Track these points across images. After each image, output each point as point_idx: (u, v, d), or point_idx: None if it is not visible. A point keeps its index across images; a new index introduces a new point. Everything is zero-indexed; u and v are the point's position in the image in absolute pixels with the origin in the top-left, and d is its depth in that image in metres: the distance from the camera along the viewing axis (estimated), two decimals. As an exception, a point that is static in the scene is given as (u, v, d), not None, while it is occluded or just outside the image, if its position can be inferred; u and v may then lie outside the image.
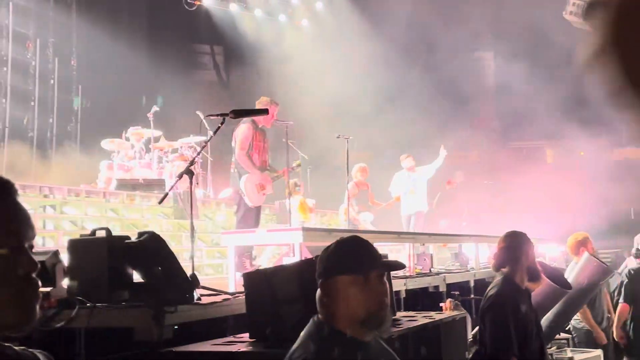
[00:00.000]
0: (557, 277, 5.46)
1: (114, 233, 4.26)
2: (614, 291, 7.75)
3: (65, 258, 4.22)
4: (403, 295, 6.43)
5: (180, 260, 4.28)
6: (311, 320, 2.44)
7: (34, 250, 1.41)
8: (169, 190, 5.55)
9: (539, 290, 4.86)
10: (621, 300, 7.30)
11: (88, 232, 4.40)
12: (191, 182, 4.95)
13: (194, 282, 4.31)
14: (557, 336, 7.02)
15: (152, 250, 4.06)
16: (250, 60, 18.90)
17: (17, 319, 1.35)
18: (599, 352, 7.10)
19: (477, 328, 4.82)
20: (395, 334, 3.94)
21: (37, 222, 9.20)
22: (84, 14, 16.25)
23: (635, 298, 7.26)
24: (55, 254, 4.20)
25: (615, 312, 7.47)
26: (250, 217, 7.81)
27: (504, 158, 17.82)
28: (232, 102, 16.07)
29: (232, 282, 5.84)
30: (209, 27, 19.53)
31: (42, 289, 1.42)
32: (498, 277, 4.50)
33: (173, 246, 7.73)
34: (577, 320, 7.36)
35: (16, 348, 1.44)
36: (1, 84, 14.50)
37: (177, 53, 18.90)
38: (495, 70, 20.97)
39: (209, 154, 13.42)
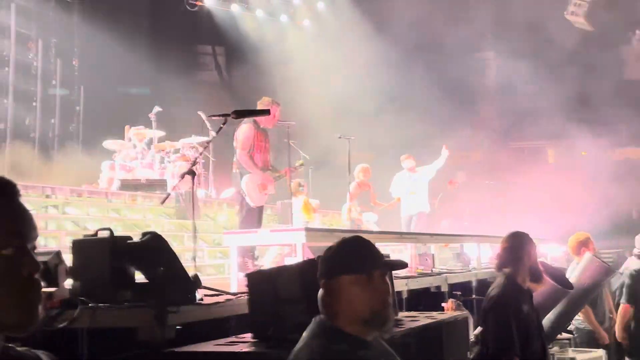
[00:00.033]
0: (558, 277, 5.46)
1: (116, 233, 4.27)
2: (615, 291, 7.74)
3: (67, 258, 4.23)
4: (405, 295, 6.42)
5: (182, 261, 4.29)
6: (313, 321, 2.45)
7: (36, 251, 1.42)
8: (171, 190, 5.55)
9: (540, 290, 4.86)
10: (624, 301, 7.29)
11: (90, 232, 4.41)
12: (193, 183, 4.95)
13: (196, 282, 4.31)
14: (559, 336, 7.02)
15: (154, 250, 4.06)
16: (252, 61, 18.90)
17: (20, 320, 1.35)
18: (601, 352, 7.10)
19: (479, 328, 4.82)
20: (397, 334, 3.94)
21: (39, 223, 9.19)
22: (86, 14, 16.27)
23: (638, 299, 7.25)
24: (58, 254, 4.20)
25: (616, 313, 7.46)
26: (253, 217, 7.81)
27: (505, 158, 17.81)
28: (234, 102, 16.06)
29: (235, 283, 5.85)
30: (210, 27, 19.55)
31: (44, 290, 1.42)
32: (500, 278, 4.51)
33: (175, 246, 7.72)
34: (579, 321, 7.35)
35: (19, 349, 1.44)
36: (3, 84, 14.53)
37: (178, 53, 18.91)
38: (497, 70, 20.96)
39: (210, 154, 13.43)
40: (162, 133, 13.73)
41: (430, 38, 17.92)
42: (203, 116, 12.57)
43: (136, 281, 4.18)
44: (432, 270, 8.07)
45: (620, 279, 7.57)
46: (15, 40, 14.82)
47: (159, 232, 4.29)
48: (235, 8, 19.51)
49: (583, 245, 7.21)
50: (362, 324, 2.36)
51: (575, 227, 9.19)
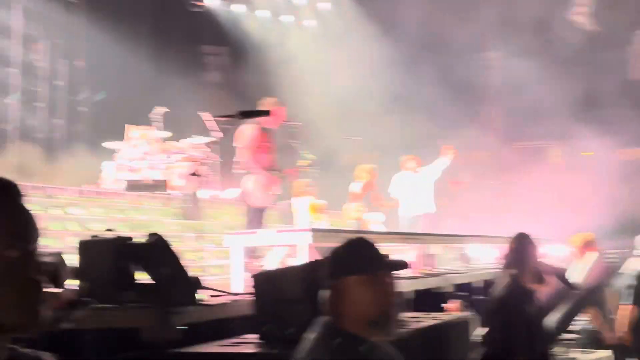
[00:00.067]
0: (563, 278, 5.45)
1: (120, 234, 4.28)
2: (619, 292, 7.70)
3: (71, 259, 4.24)
4: (408, 296, 6.42)
5: (185, 261, 4.30)
6: (319, 322, 2.45)
7: (38, 252, 1.42)
8: (176, 192, 5.55)
9: (544, 290, 4.86)
10: (630, 302, 7.26)
11: (94, 233, 4.42)
12: (198, 184, 4.95)
13: (196, 284, 4.32)
14: (565, 336, 7.01)
15: (158, 251, 4.08)
16: (256, 61, 18.90)
17: (22, 321, 1.36)
18: (605, 352, 7.08)
19: (483, 329, 4.82)
20: (401, 335, 3.93)
21: (42, 223, 9.22)
22: (91, 15, 16.29)
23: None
24: (60, 255, 4.22)
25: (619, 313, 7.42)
26: (259, 218, 7.80)
27: (510, 158, 17.77)
28: (238, 102, 16.05)
29: (238, 283, 5.85)
30: (214, 27, 19.57)
31: (51, 291, 1.42)
32: (504, 278, 4.51)
33: (179, 247, 7.74)
34: (584, 321, 7.34)
35: (23, 350, 1.44)
36: (8, 84, 14.56)
37: (182, 54, 18.92)
38: (502, 70, 20.93)
39: (215, 154, 13.43)
40: (167, 134, 13.74)
41: (434, 38, 17.90)
42: (207, 117, 12.56)
43: (141, 282, 4.19)
44: (436, 271, 8.07)
45: (622, 280, 7.53)
46: (21, 41, 14.84)
47: (163, 233, 4.30)
48: (238, 8, 19.52)
49: (588, 245, 7.20)
50: (368, 325, 2.37)
51: (581, 227, 9.18)
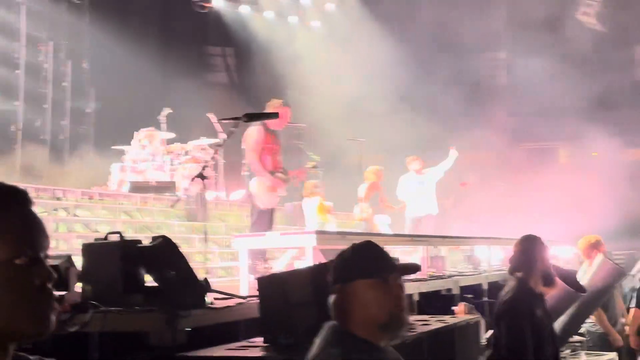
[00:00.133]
0: (570, 280, 5.42)
1: (127, 235, 4.27)
2: (626, 294, 7.67)
3: (78, 261, 4.24)
4: (416, 298, 6.40)
5: (192, 263, 4.29)
6: (326, 326, 2.43)
7: (48, 259, 1.41)
8: (182, 194, 5.54)
9: (553, 293, 4.83)
10: (634, 305, 7.22)
11: (101, 235, 4.42)
12: (204, 186, 4.94)
13: (205, 286, 4.31)
14: (571, 339, 6.97)
15: (165, 254, 4.07)
16: (262, 62, 18.92)
17: (32, 330, 1.35)
18: (612, 355, 7.05)
19: (490, 332, 4.79)
20: (409, 338, 3.92)
21: (49, 225, 9.27)
22: (97, 16, 16.31)
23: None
24: (69, 258, 4.21)
25: (627, 316, 7.39)
26: (264, 219, 7.79)
27: (517, 159, 17.74)
28: (244, 103, 16.08)
29: (245, 286, 5.83)
30: (220, 28, 19.59)
31: (56, 293, 1.42)
32: (512, 281, 4.48)
33: (185, 249, 7.73)
34: (591, 323, 7.30)
35: (31, 357, 1.43)
36: (14, 86, 14.58)
37: (188, 55, 18.97)
38: (509, 71, 20.90)
39: (220, 156, 13.44)
40: (172, 135, 13.74)
41: (441, 38, 17.89)
42: (212, 118, 12.57)
43: (148, 285, 4.18)
44: (443, 273, 8.04)
45: (631, 282, 7.51)
46: (26, 43, 14.87)
47: (169, 235, 4.29)
48: (244, 9, 19.54)
49: (594, 247, 7.16)
50: (377, 329, 2.35)
51: (588, 228, 9.14)
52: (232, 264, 10.87)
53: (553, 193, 15.02)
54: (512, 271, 4.51)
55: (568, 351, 6.94)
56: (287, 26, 19.98)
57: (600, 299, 6.56)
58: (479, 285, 8.27)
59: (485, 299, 7.87)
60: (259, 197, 7.75)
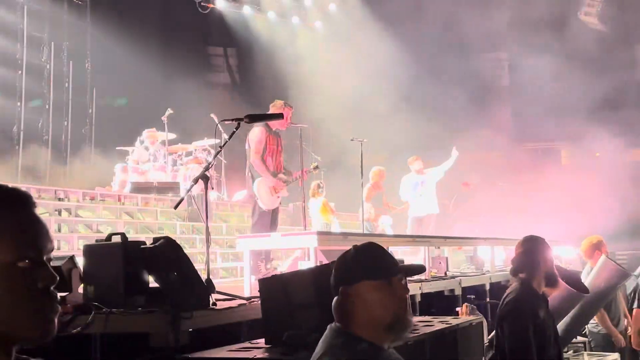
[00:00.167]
0: (574, 281, 5.40)
1: (129, 236, 4.26)
2: (629, 295, 7.65)
3: (80, 261, 4.23)
4: (418, 299, 6.39)
5: (194, 264, 4.28)
6: (329, 328, 2.42)
7: (51, 262, 1.41)
8: (184, 195, 5.53)
9: (556, 294, 4.81)
10: (636, 305, 7.20)
11: (103, 235, 4.41)
12: (206, 187, 4.93)
13: (209, 287, 4.30)
14: (574, 340, 6.96)
15: (167, 255, 4.05)
16: (264, 62, 18.92)
17: (35, 333, 1.35)
18: (615, 355, 7.03)
19: (493, 333, 4.78)
20: (411, 339, 3.91)
21: (52, 226, 9.28)
22: (98, 17, 16.32)
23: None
24: (72, 259, 4.21)
25: (630, 317, 7.37)
26: (265, 220, 7.79)
27: (519, 159, 17.72)
28: (246, 104, 16.08)
29: (248, 287, 5.83)
30: (222, 29, 19.59)
31: (58, 294, 1.42)
32: (515, 282, 4.46)
33: (187, 249, 7.73)
34: (593, 324, 7.29)
35: (32, 360, 1.43)
36: (16, 87, 14.59)
37: (190, 55, 18.96)
38: (512, 71, 20.89)
39: (222, 157, 13.45)
40: (173, 135, 13.75)
41: (444, 38, 17.88)
42: (215, 119, 12.57)
43: (150, 286, 4.17)
44: (445, 274, 8.03)
45: (634, 282, 7.48)
46: (28, 43, 14.88)
47: (172, 235, 4.28)
48: (246, 10, 19.54)
49: (596, 248, 7.14)
50: (382, 330, 2.34)
51: (590, 228, 9.12)
52: (233, 265, 10.89)
53: (555, 193, 14.99)
54: (515, 272, 4.49)
55: (571, 352, 6.93)
56: (289, 26, 19.99)
57: (603, 299, 6.54)
58: (482, 285, 8.26)
59: (488, 299, 7.86)
60: (260, 198, 7.75)
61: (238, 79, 21.84)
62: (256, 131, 7.82)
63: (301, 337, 3.52)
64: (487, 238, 9.82)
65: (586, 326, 7.16)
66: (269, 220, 7.84)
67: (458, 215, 13.69)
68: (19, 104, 14.52)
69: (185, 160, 13.44)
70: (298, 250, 8.36)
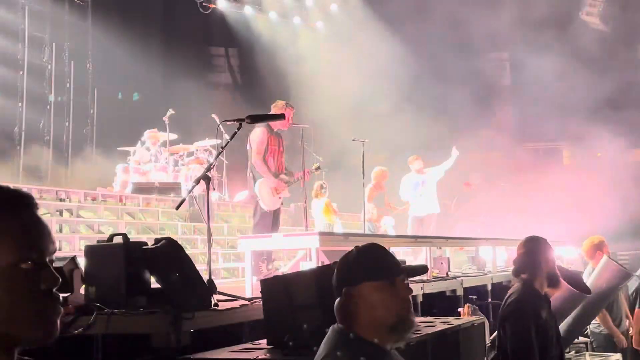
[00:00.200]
0: (576, 282, 5.39)
1: (130, 237, 4.26)
2: (631, 295, 7.64)
3: (82, 262, 4.23)
4: (420, 299, 6.39)
5: (196, 264, 4.28)
6: (332, 329, 2.42)
7: (54, 263, 1.41)
8: (186, 195, 5.53)
9: (558, 295, 4.81)
10: (638, 306, 7.19)
11: (104, 236, 4.41)
12: (208, 187, 4.93)
13: (211, 287, 4.30)
14: (576, 340, 6.95)
15: (169, 256, 4.05)
16: (265, 63, 18.92)
17: (38, 334, 1.35)
18: (617, 356, 7.03)
19: (495, 333, 4.77)
20: (413, 340, 3.90)
21: (53, 226, 9.28)
22: (99, 18, 16.33)
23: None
24: (73, 259, 4.21)
25: (632, 317, 7.36)
26: (267, 221, 7.79)
27: (521, 159, 17.71)
28: (247, 104, 16.09)
29: (249, 287, 5.83)
30: (223, 29, 19.60)
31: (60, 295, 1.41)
32: (517, 283, 4.45)
33: (189, 250, 7.73)
34: (595, 324, 7.28)
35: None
36: (17, 87, 14.60)
37: (191, 56, 18.97)
38: (514, 71, 20.88)
39: (224, 157, 13.45)
40: (175, 136, 13.75)
41: (446, 38, 17.86)
42: (217, 119, 12.57)
43: (151, 287, 4.17)
44: (447, 274, 8.02)
45: (637, 283, 7.47)
46: (29, 44, 14.88)
47: (173, 236, 4.28)
48: (248, 10, 19.55)
49: (597, 248, 7.13)
50: (384, 331, 2.34)
51: (592, 228, 9.11)
52: (234, 265, 10.88)
53: (557, 193, 14.99)
54: (516, 272, 4.48)
55: (573, 352, 6.91)
56: (290, 27, 20.00)
57: (604, 300, 6.53)
58: (484, 286, 8.25)
59: (490, 300, 7.86)
60: (262, 199, 7.75)
61: (239, 79, 21.85)
62: (258, 132, 7.81)
63: (303, 338, 3.52)
64: (488, 238, 9.82)
65: (588, 327, 7.15)
66: (270, 220, 7.84)
67: (460, 215, 13.68)
68: (20, 104, 14.52)
69: (186, 161, 13.43)
70: (301, 252, 8.35)
